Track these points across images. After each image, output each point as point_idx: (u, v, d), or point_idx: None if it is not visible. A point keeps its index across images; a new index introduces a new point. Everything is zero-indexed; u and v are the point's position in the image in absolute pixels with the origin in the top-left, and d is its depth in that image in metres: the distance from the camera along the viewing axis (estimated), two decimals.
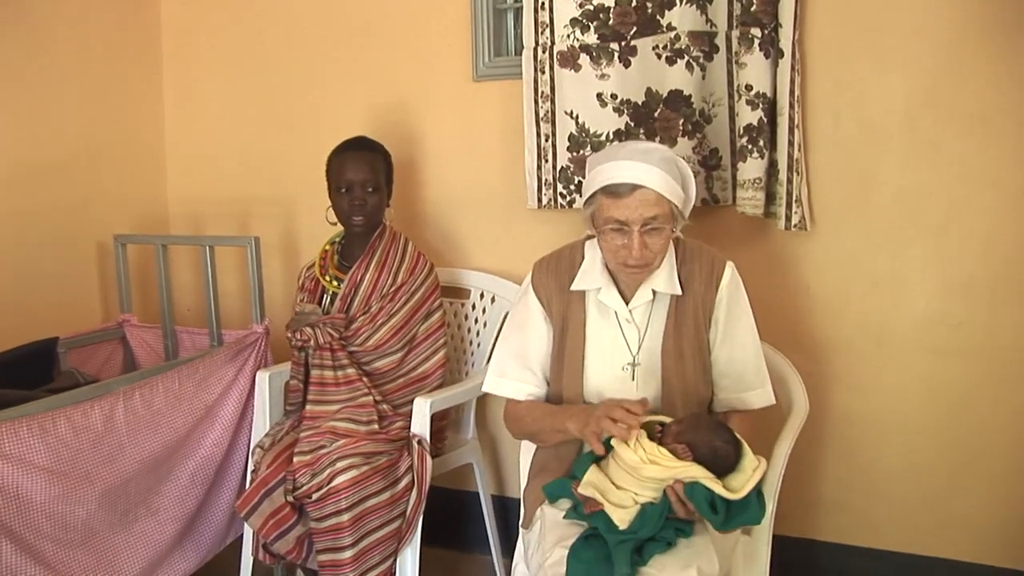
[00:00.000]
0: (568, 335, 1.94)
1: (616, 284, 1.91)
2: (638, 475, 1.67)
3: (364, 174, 2.42)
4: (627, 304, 1.91)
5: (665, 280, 1.89)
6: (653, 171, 1.76)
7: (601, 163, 1.80)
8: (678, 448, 1.69)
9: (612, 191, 1.76)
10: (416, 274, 2.47)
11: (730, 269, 1.92)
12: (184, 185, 3.36)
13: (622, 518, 1.66)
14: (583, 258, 1.96)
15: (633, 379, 1.91)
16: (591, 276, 1.92)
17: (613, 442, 1.72)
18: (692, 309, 1.89)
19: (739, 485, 1.66)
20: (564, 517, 1.81)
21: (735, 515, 1.65)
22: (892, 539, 2.46)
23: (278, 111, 3.13)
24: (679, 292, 1.89)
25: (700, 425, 1.74)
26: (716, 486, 1.64)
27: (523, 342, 1.99)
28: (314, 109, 3.06)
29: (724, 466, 1.70)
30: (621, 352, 1.92)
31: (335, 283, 2.48)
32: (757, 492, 1.68)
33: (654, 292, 1.89)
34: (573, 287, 1.93)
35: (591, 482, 1.73)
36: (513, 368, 2.00)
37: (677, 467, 1.66)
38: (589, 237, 1.96)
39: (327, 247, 2.58)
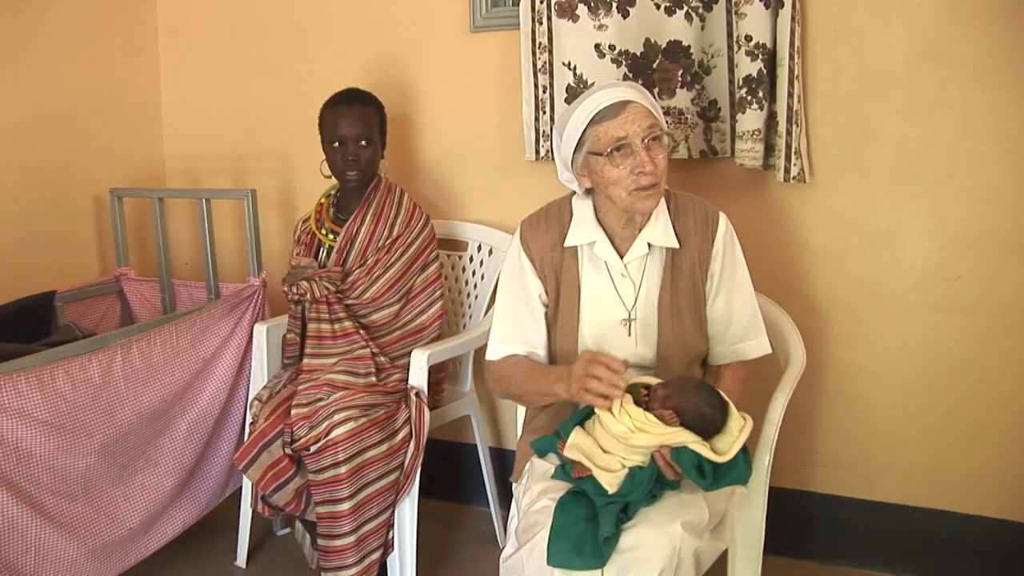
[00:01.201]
0: (563, 294, 1.92)
1: (610, 238, 1.89)
2: (626, 443, 1.66)
3: (357, 128, 2.39)
4: (622, 258, 1.89)
5: (661, 233, 1.87)
6: (633, 91, 1.79)
7: (576, 108, 1.81)
8: (665, 414, 1.67)
9: (603, 115, 1.76)
10: (412, 226, 2.45)
11: (724, 221, 1.90)
12: (180, 140, 3.33)
13: (611, 482, 1.66)
14: (571, 215, 1.93)
15: (630, 335, 1.89)
16: (584, 230, 1.90)
17: (598, 411, 1.70)
18: (689, 264, 1.88)
19: (725, 447, 1.65)
20: (552, 477, 1.80)
21: (722, 476, 1.64)
22: (887, 491, 2.47)
23: (273, 65, 3.10)
24: (676, 245, 1.87)
25: (687, 389, 1.72)
26: (704, 449, 1.63)
27: (519, 303, 1.96)
28: (309, 62, 3.03)
29: (711, 429, 1.69)
30: (616, 307, 1.90)
31: (331, 236, 2.47)
32: (744, 452, 1.67)
33: (649, 245, 1.87)
34: (567, 243, 1.91)
35: (576, 445, 1.72)
36: (514, 331, 1.95)
37: (665, 433, 1.64)
38: (575, 192, 1.95)
39: (322, 200, 2.56)
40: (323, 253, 2.49)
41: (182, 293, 2.92)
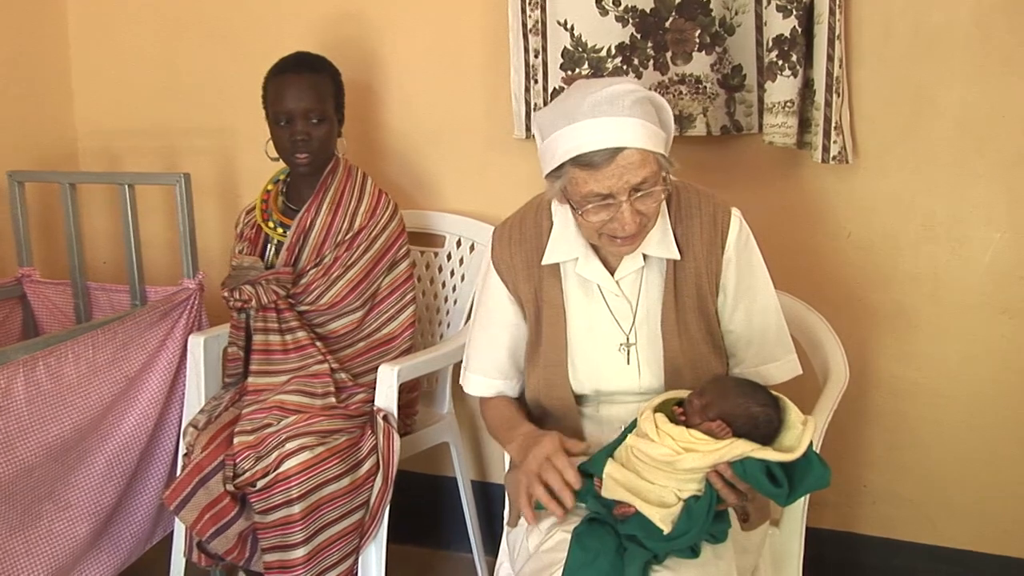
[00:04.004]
0: (545, 318, 1.88)
1: (597, 252, 1.84)
2: (673, 469, 1.60)
3: (307, 102, 2.36)
4: (613, 275, 1.84)
5: (657, 241, 1.82)
6: (629, 124, 1.65)
7: (560, 126, 1.69)
8: (713, 426, 1.62)
9: (585, 162, 1.65)
10: (377, 217, 2.43)
11: (736, 220, 1.84)
12: (95, 113, 3.30)
13: (665, 519, 1.59)
14: (551, 223, 1.88)
15: (629, 362, 1.86)
16: (565, 245, 1.85)
17: (630, 440, 1.65)
18: (694, 275, 1.83)
19: (794, 442, 1.60)
20: (586, 506, 1.74)
21: (800, 480, 1.59)
22: (951, 534, 2.46)
23: (210, 21, 3.06)
24: (676, 256, 1.82)
25: (728, 391, 1.67)
26: (769, 454, 1.57)
27: (488, 330, 1.97)
28: (255, 20, 2.99)
29: (768, 432, 1.64)
30: (612, 332, 1.86)
31: (280, 230, 2.45)
32: (813, 451, 1.63)
33: (645, 257, 1.83)
34: (545, 261, 1.86)
35: (615, 480, 1.65)
36: (479, 361, 1.99)
37: (720, 448, 1.58)
38: None
39: (269, 187, 2.54)
40: (271, 250, 2.47)
41: (100, 298, 2.88)
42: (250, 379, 2.34)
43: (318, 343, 2.34)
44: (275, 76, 2.40)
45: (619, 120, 1.64)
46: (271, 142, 2.43)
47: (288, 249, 2.40)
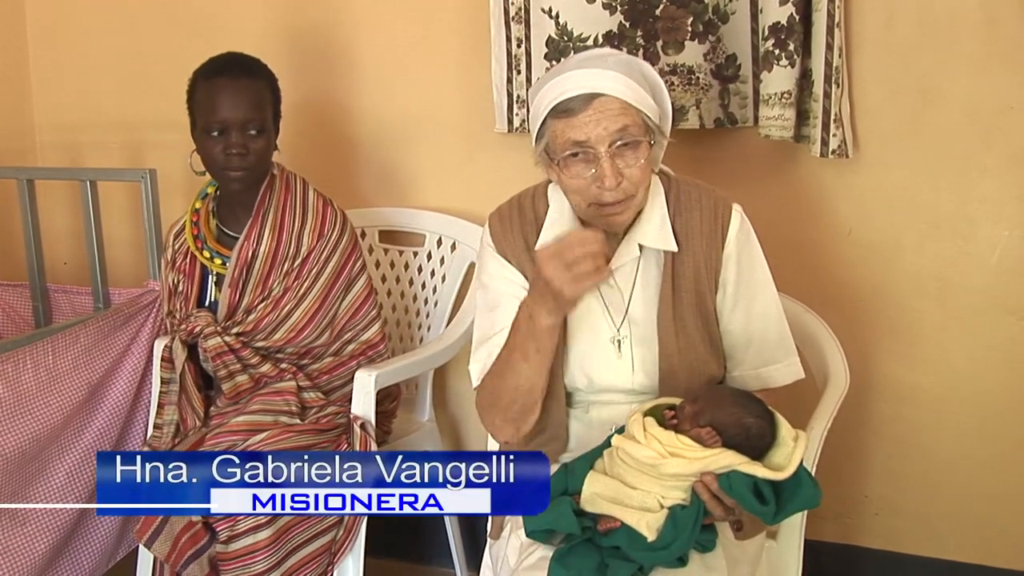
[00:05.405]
0: None
1: None
2: (657, 473, 1.60)
3: (246, 111, 2.22)
4: (608, 263, 1.80)
5: (655, 232, 1.82)
6: (610, 75, 1.69)
7: (545, 82, 1.73)
8: (702, 432, 1.62)
9: (563, 109, 1.69)
10: (326, 235, 2.33)
11: (737, 215, 1.84)
12: (55, 105, 3.26)
13: (650, 526, 1.58)
14: (547, 207, 1.89)
15: (621, 356, 1.86)
16: (560, 229, 1.85)
17: (616, 440, 1.65)
18: (693, 270, 1.83)
19: (784, 460, 1.60)
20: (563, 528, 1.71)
21: (788, 500, 1.58)
22: (958, 547, 2.45)
23: (176, 9, 3.02)
24: (674, 248, 1.82)
25: (722, 399, 1.68)
26: (758, 469, 1.57)
27: (499, 311, 1.87)
28: (221, 5, 2.95)
29: (759, 446, 1.64)
30: (603, 324, 1.87)
31: (219, 261, 2.33)
32: (805, 469, 1.62)
33: (641, 247, 1.83)
34: (539, 246, 1.84)
35: (597, 493, 1.65)
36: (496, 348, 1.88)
37: (706, 456, 1.58)
38: (551, 180, 1.89)
39: (197, 205, 2.42)
40: (211, 281, 2.36)
41: (61, 301, 2.86)
42: (212, 408, 2.31)
43: (283, 365, 2.30)
44: (206, 80, 2.26)
45: (601, 71, 1.69)
46: (196, 154, 2.30)
47: (231, 285, 2.29)
